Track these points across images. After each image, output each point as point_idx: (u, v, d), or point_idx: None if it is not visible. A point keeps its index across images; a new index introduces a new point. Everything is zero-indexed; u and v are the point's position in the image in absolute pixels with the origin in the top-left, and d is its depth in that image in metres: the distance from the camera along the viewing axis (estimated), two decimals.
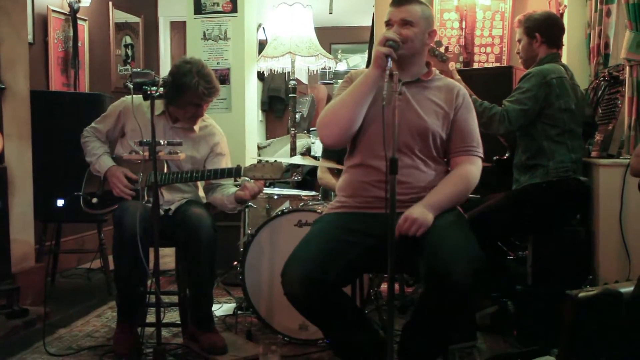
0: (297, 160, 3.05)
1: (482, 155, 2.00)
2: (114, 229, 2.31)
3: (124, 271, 2.29)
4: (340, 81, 2.15)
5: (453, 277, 1.65)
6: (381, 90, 1.76)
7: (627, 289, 1.55)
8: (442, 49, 2.53)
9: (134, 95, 2.11)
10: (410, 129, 1.90)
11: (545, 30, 2.55)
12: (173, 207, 2.47)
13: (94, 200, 2.50)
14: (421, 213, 1.79)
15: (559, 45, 2.62)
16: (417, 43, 1.93)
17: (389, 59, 1.78)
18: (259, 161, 2.30)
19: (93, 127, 2.58)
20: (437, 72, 2.10)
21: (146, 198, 2.37)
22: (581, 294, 1.53)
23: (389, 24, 1.94)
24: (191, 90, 2.37)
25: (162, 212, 2.35)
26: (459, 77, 2.49)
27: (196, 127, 2.54)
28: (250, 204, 2.78)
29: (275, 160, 2.29)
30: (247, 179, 2.31)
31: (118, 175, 2.44)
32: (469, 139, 1.97)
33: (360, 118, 1.90)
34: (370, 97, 1.89)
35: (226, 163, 2.56)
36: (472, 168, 1.95)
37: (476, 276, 1.67)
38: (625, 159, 2.52)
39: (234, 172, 2.33)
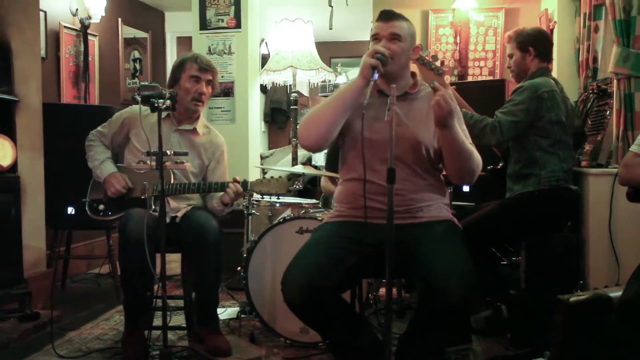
0: (299, 169, 3.14)
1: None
2: (119, 236, 2.34)
3: (130, 276, 2.32)
4: None
5: (448, 292, 1.67)
6: (372, 106, 1.76)
7: (616, 293, 1.57)
8: (437, 63, 2.60)
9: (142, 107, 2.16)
10: (402, 143, 1.88)
11: (537, 45, 2.60)
12: (180, 214, 2.51)
13: (101, 206, 2.52)
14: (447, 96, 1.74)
15: (550, 59, 2.67)
16: (403, 58, 1.95)
17: (375, 71, 1.79)
18: (264, 177, 2.35)
19: (99, 130, 2.62)
20: (422, 81, 2.09)
21: (152, 207, 2.40)
22: (572, 299, 1.55)
23: (376, 38, 1.94)
24: (190, 62, 2.53)
25: (168, 220, 2.39)
26: (451, 91, 2.56)
27: (200, 130, 2.59)
28: (253, 211, 2.85)
29: (280, 177, 2.36)
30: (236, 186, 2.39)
31: (117, 177, 2.48)
32: None
33: (339, 124, 1.89)
34: (352, 106, 1.87)
35: (226, 172, 2.62)
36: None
37: (470, 291, 1.71)
38: (614, 168, 2.58)
39: (241, 186, 2.39)
